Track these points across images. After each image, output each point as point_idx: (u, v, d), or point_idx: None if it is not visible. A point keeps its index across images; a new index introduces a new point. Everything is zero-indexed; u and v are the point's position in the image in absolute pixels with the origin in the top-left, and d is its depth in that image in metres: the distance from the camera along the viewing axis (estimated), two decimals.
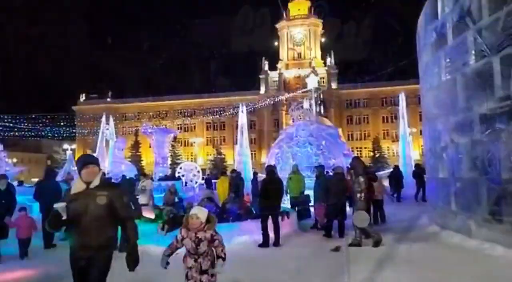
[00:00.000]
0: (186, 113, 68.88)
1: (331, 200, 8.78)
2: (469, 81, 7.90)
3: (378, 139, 60.23)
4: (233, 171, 14.96)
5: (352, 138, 65.73)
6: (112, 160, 25.01)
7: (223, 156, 62.01)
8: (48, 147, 68.91)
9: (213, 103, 67.27)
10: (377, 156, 55.47)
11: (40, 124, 46.88)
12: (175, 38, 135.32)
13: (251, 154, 36.31)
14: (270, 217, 7.94)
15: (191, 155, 64.79)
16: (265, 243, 7.76)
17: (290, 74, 68.81)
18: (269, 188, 8.08)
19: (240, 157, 27.85)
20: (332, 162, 14.54)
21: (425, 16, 10.22)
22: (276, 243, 7.82)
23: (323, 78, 66.13)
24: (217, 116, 61.93)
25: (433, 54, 9.74)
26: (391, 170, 18.74)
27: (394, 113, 57.03)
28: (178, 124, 66.23)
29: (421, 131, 58.59)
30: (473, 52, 7.78)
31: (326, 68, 67.67)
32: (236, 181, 13.37)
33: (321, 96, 28.19)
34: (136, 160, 54.51)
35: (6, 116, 40.26)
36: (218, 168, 51.78)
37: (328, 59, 68.03)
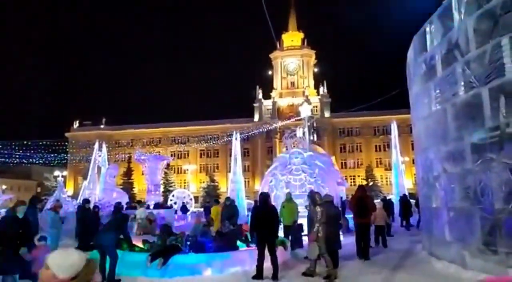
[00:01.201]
0: (179, 141, 68.88)
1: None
2: (459, 112, 8.03)
3: (371, 168, 60.44)
4: (228, 198, 14.80)
5: (345, 166, 65.88)
6: (104, 187, 24.65)
7: (216, 183, 61.57)
8: (38, 174, 67.94)
9: (207, 131, 67.51)
10: (370, 184, 55.42)
11: (31, 150, 46.38)
12: (167, 65, 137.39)
13: (245, 181, 36.15)
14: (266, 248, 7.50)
15: (184, 182, 64.20)
16: (259, 275, 7.36)
17: (283, 102, 69.71)
18: (262, 216, 7.64)
19: (234, 184, 27.59)
20: (326, 190, 14.47)
21: (414, 48, 10.53)
22: (274, 277, 7.33)
23: (316, 106, 67.01)
24: (211, 143, 61.96)
25: (423, 85, 9.96)
26: (382, 198, 19.47)
27: (387, 142, 57.57)
28: (171, 151, 66.05)
29: (413, 160, 59.42)
30: (462, 83, 7.97)
31: (319, 97, 68.74)
32: (230, 209, 13.21)
33: (314, 125, 28.41)
34: (128, 187, 53.78)
35: None
36: (211, 195, 51.23)
37: (321, 88, 69.24)
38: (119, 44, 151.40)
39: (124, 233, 7.99)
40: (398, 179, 25.68)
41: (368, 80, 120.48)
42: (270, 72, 73.96)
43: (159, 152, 57.19)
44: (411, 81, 11.12)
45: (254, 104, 70.15)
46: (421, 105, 10.16)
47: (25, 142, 46.60)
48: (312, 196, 8.27)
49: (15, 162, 45.08)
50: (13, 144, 43.39)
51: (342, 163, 65.02)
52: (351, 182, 60.39)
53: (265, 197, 8.13)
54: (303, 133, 20.94)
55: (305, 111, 20.62)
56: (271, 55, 73.34)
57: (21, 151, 44.46)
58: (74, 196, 39.59)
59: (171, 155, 59.88)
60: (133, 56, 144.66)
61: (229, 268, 8.09)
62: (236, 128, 45.68)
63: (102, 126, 71.53)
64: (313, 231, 7.65)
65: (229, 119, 68.27)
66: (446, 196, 8.49)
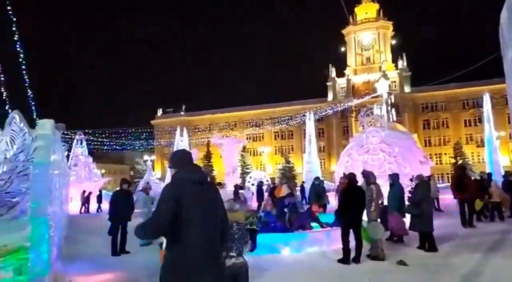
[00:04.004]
0: (254, 124, 70.12)
1: (415, 209, 8.22)
2: None
3: (460, 145, 55.32)
4: (317, 178, 14.79)
5: (429, 144, 61.43)
6: None
7: (291, 165, 61.83)
8: (130, 159, 74.69)
9: (281, 113, 67.62)
10: (459, 162, 50.97)
11: (123, 138, 51.02)
12: (240, 46, 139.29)
13: (320, 162, 35.68)
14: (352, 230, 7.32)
15: (260, 164, 65.58)
16: (345, 259, 7.15)
17: (358, 80, 66.76)
18: (349, 198, 7.34)
19: (309, 165, 27.52)
20: (407, 170, 13.68)
21: (508, 7, 9.25)
22: (357, 260, 7.16)
23: (395, 82, 63.03)
24: (285, 125, 62.03)
25: None
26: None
27: (478, 115, 52.33)
28: (247, 135, 67.62)
29: (510, 134, 53.18)
30: None
31: (397, 71, 64.45)
32: (319, 188, 13.24)
33: (393, 101, 26.79)
34: (208, 169, 56.60)
35: (94, 131, 44.63)
36: (286, 176, 51.69)
37: (400, 62, 64.76)
38: (191, 34, 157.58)
39: None
40: (492, 155, 23.29)
41: (454, 49, 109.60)
42: (343, 49, 71.04)
43: (235, 135, 59.00)
44: (505, 46, 9.81)
45: (327, 83, 68.30)
46: None
47: (119, 130, 51.39)
48: (366, 175, 7.97)
49: (110, 148, 50.01)
50: (107, 132, 48.13)
51: (426, 140, 60.68)
52: (436, 160, 56.24)
53: (352, 177, 7.73)
54: (381, 110, 19.90)
55: (382, 87, 19.54)
56: (344, 31, 70.24)
57: (112, 138, 49.12)
58: (162, 178, 42.92)
59: (247, 138, 61.48)
60: (207, 44, 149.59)
61: (306, 248, 8.16)
62: (310, 108, 45.09)
63: (182, 113, 75.75)
64: (370, 211, 7.47)
65: (302, 100, 67.54)
66: None
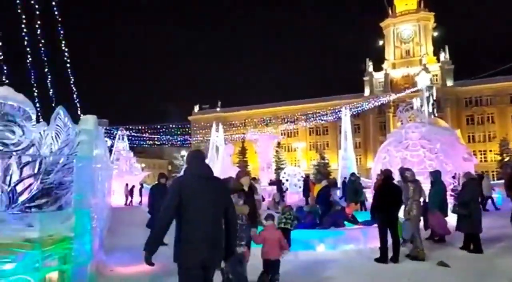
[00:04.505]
0: (289, 119, 69.72)
1: (463, 210, 7.83)
2: None
3: (507, 141, 52.21)
4: (353, 174, 14.53)
5: (473, 140, 58.50)
6: (222, 165, 26.66)
7: (326, 161, 60.99)
8: (169, 154, 76.72)
9: (315, 108, 66.74)
10: (506, 159, 48.14)
11: (162, 134, 52.48)
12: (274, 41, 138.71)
13: (356, 158, 34.89)
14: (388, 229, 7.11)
15: (295, 160, 65.24)
16: (383, 258, 6.96)
17: (397, 73, 64.60)
18: (385, 195, 7.13)
19: (345, 161, 27.03)
20: (449, 167, 13.08)
21: None
22: (395, 259, 6.95)
23: (436, 75, 60.45)
24: (320, 121, 61.22)
25: None
26: None
27: None
28: (281, 130, 67.44)
29: None
30: None
31: (439, 64, 61.70)
32: (355, 185, 12.99)
33: (434, 95, 25.63)
34: (243, 165, 57.06)
35: (134, 127, 46.24)
36: (321, 172, 51.10)
37: (442, 55, 61.95)
38: (226, 30, 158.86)
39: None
40: None
41: (500, 41, 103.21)
42: (381, 43, 68.90)
43: (270, 131, 59.01)
44: None
45: (364, 78, 66.63)
46: None
47: (157, 125, 52.95)
48: (402, 173, 7.67)
49: (149, 143, 51.64)
50: (144, 128, 49.69)
51: (469, 136, 57.80)
52: (481, 158, 53.46)
53: (388, 174, 7.53)
54: (421, 105, 19.11)
55: (423, 81, 18.78)
56: (382, 24, 68.08)
57: (151, 134, 50.64)
58: None
59: (281, 134, 61.24)
60: (242, 40, 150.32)
61: (342, 245, 8.02)
62: (346, 104, 44.18)
63: (218, 109, 76.75)
64: (405, 209, 7.24)
65: (338, 95, 66.35)
66: None
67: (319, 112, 60.27)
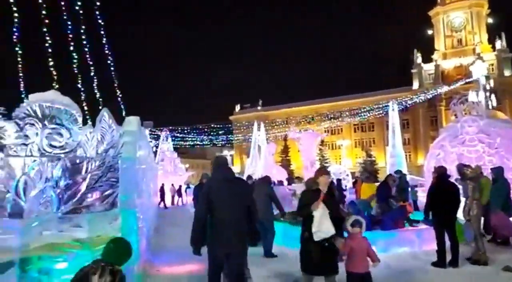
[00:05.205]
0: (332, 116, 68.32)
1: None
2: None
3: None
4: (398, 171, 13.80)
5: None
6: (264, 164, 26.58)
7: (373, 158, 59.02)
8: (212, 154, 78.16)
9: (360, 104, 64.87)
10: None
11: (204, 134, 53.58)
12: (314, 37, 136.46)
13: (405, 155, 33.33)
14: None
15: (339, 158, 63.82)
16: (441, 262, 6.48)
17: (449, 64, 61.08)
18: (440, 194, 6.62)
19: (393, 158, 25.93)
20: (511, 163, 11.98)
21: None
22: (454, 263, 6.43)
23: (492, 65, 56.40)
24: (365, 117, 59.36)
25: None
26: None
27: None
28: (325, 128, 66.23)
29: None
30: None
31: (495, 53, 57.50)
32: (400, 183, 12.27)
33: (491, 86, 23.77)
34: (286, 164, 56.70)
35: (178, 128, 47.53)
36: (368, 170, 49.52)
37: (498, 42, 57.67)
38: (265, 29, 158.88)
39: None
40: None
41: None
42: (430, 32, 65.46)
43: (313, 128, 58.15)
44: None
45: (413, 70, 63.63)
46: None
47: (199, 126, 54.11)
48: (461, 170, 7.05)
49: (192, 144, 52.96)
50: (187, 128, 50.93)
51: None
52: None
53: (442, 171, 7.01)
54: (477, 97, 17.77)
55: (478, 71, 17.46)
56: (431, 13, 64.65)
57: (194, 134, 51.83)
58: (241, 173, 44.10)
59: (325, 131, 60.14)
60: (281, 37, 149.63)
61: (395, 248, 7.54)
62: (393, 98, 42.39)
63: (259, 108, 76.92)
64: (464, 209, 6.72)
65: (384, 90, 63.96)
66: None
67: (364, 108, 58.55)
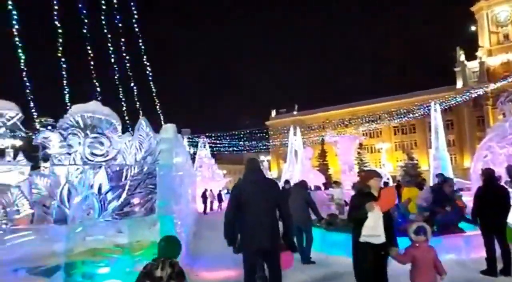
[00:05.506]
0: (370, 119, 66.57)
1: None
2: None
3: None
4: (440, 175, 13.15)
5: None
6: (301, 169, 26.33)
7: (415, 161, 56.76)
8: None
9: (400, 105, 62.76)
10: None
11: (241, 140, 54.12)
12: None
13: (450, 157, 31.73)
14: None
15: (379, 162, 61.96)
16: (491, 270, 6.09)
17: (494, 61, 57.78)
18: (488, 198, 6.26)
19: (437, 161, 24.80)
20: None
21: None
22: (506, 272, 6.02)
23: None
24: (405, 118, 57.30)
25: None
26: None
27: None
28: (363, 131, 64.63)
29: None
30: None
31: None
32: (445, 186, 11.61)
33: None
34: (323, 168, 55.85)
35: (214, 134, 48.33)
36: (410, 174, 47.64)
37: None
38: (300, 32, 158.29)
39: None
40: None
41: None
42: (473, 28, 62.35)
43: (350, 132, 56.95)
44: None
45: (455, 69, 60.78)
46: None
47: (235, 132, 54.72)
48: (511, 172, 6.52)
49: (229, 150, 53.61)
50: (223, 135, 51.61)
51: None
52: None
53: (489, 174, 6.64)
54: None
55: None
56: (473, 8, 61.60)
57: (230, 140, 52.42)
58: (278, 178, 43.95)
59: (363, 134, 58.59)
60: (316, 40, 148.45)
61: (440, 255, 7.14)
62: (435, 98, 40.73)
63: (295, 112, 76.58)
64: None
65: (425, 90, 61.55)
66: None
67: (404, 109, 56.54)
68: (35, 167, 4.87)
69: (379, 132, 67.04)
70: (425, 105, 44.44)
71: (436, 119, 23.99)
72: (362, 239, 4.17)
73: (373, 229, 4.13)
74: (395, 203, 6.29)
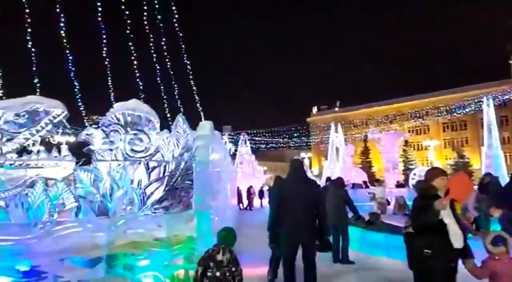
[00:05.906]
0: (417, 115, 63.76)
1: None
2: None
3: None
4: (488, 174, 12.29)
5: None
6: (342, 166, 25.79)
7: (466, 160, 53.66)
8: (290, 156, 78.24)
9: (449, 101, 59.56)
10: None
11: (282, 137, 54.00)
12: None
13: (505, 155, 29.64)
14: None
15: (426, 159, 59.26)
16: None
17: None
18: None
19: (490, 159, 23.30)
20: None
21: None
22: None
23: None
24: (455, 114, 54.29)
25: None
26: None
27: None
28: (408, 127, 62.08)
29: None
30: None
31: None
32: (492, 188, 10.76)
33: None
34: (366, 166, 54.40)
35: (255, 131, 48.60)
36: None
37: None
38: (340, 28, 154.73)
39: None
40: None
41: None
42: None
43: (395, 129, 54.93)
44: None
45: (511, 62, 56.67)
46: None
47: (275, 129, 54.69)
48: None
49: (270, 147, 53.74)
50: (264, 131, 51.74)
51: None
52: None
53: None
54: None
55: None
56: None
57: (271, 137, 52.46)
58: (319, 175, 43.40)
59: (409, 131, 56.37)
60: (357, 36, 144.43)
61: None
62: (487, 93, 38.22)
63: (336, 109, 75.11)
64: None
65: (477, 84, 57.91)
66: None
67: (453, 105, 53.58)
68: (85, 162, 5.13)
69: (426, 129, 64.09)
70: (477, 100, 41.87)
71: (489, 115, 22.52)
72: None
73: (455, 234, 3.48)
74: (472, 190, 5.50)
